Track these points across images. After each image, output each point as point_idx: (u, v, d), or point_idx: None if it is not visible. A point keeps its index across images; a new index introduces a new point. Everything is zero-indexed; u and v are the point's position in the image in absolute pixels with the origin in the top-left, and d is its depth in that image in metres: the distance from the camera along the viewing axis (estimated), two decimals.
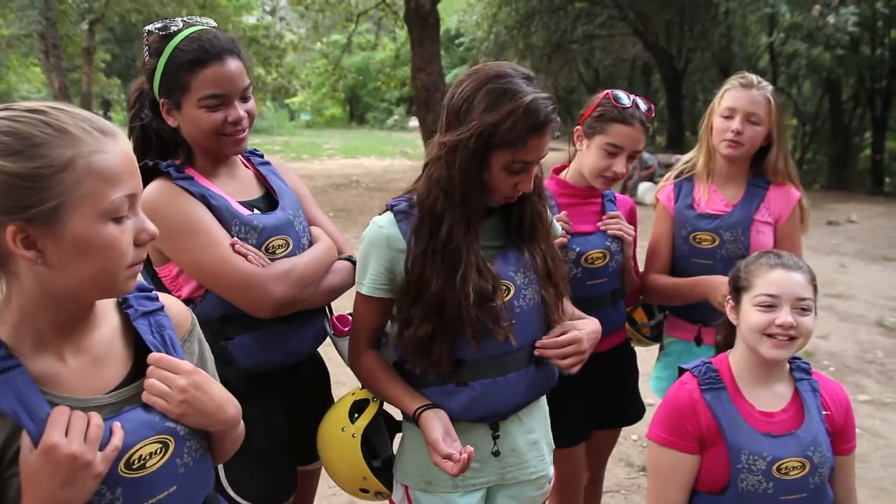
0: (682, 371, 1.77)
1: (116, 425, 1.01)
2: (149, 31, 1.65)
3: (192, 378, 1.11)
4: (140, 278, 1.12)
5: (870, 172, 17.54)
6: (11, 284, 1.00)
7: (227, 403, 1.18)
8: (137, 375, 1.10)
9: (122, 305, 1.14)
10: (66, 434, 0.94)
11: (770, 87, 2.21)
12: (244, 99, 1.66)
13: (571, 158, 2.23)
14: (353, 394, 1.79)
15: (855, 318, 5.93)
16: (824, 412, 1.68)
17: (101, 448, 0.98)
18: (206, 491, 1.18)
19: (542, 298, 1.63)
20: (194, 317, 1.28)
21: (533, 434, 1.71)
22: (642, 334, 2.43)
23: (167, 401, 1.08)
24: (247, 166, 1.83)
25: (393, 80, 20.15)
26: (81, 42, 17.11)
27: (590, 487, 2.45)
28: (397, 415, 1.75)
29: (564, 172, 2.24)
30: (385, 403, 1.73)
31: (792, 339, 1.61)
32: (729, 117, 2.18)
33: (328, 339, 1.90)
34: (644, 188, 11.48)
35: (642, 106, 2.07)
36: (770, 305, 1.63)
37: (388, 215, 1.60)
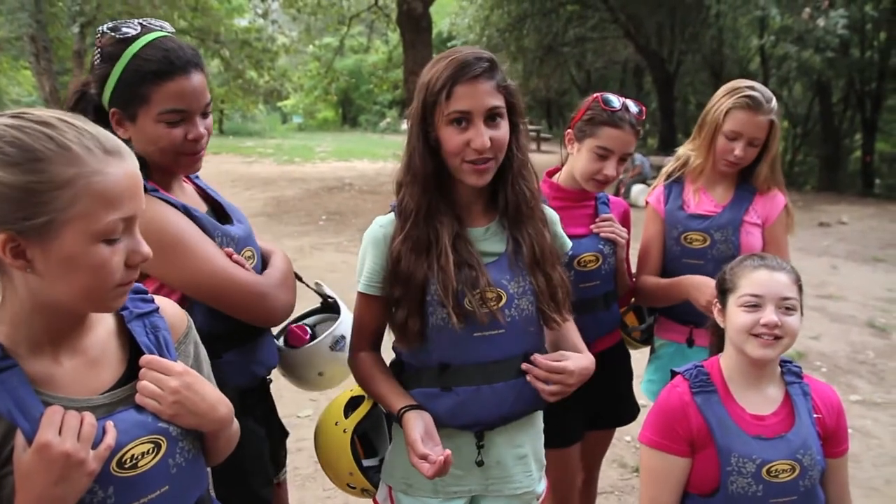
0: (673, 374, 1.78)
1: (109, 424, 1.02)
2: (102, 31, 1.51)
3: (183, 379, 1.12)
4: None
5: (860, 174, 17.66)
6: (7, 287, 1.01)
7: (219, 403, 1.19)
8: (132, 377, 1.11)
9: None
10: (60, 433, 0.96)
11: (775, 105, 2.18)
12: (204, 115, 1.55)
13: (564, 162, 2.23)
14: (352, 390, 1.81)
15: (846, 318, 5.96)
16: (815, 415, 1.69)
17: (94, 447, 0.99)
18: (198, 492, 1.18)
19: (536, 299, 1.60)
20: (190, 319, 1.27)
21: (521, 449, 1.68)
22: (632, 338, 2.44)
23: (159, 402, 1.09)
24: (186, 182, 1.73)
25: (385, 83, 20.17)
26: (72, 45, 17.03)
27: (584, 488, 2.45)
28: None
29: (557, 176, 2.25)
30: None
31: (778, 338, 1.62)
32: (733, 140, 2.18)
33: None
34: (637, 190, 11.51)
35: (633, 108, 2.07)
36: (754, 305, 1.64)
37: (390, 215, 1.62)
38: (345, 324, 1.87)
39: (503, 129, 1.52)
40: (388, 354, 1.72)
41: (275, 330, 1.87)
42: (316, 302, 2.07)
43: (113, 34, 1.49)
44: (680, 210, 2.31)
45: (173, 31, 1.56)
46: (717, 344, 1.85)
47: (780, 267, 1.68)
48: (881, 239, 9.46)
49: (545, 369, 1.55)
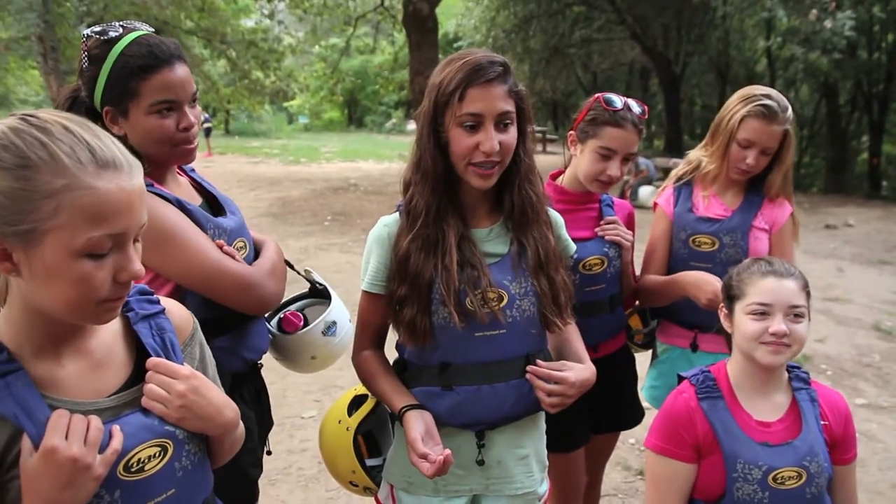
0: (680, 379, 1.77)
1: (115, 428, 1.02)
2: (87, 35, 1.59)
3: (190, 383, 1.11)
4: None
5: (867, 176, 17.60)
6: (10, 289, 1.01)
7: (226, 407, 1.19)
8: (138, 379, 1.11)
9: (124, 308, 1.14)
10: (67, 437, 0.95)
11: (790, 115, 2.15)
12: (192, 105, 1.63)
13: (567, 164, 2.22)
14: (356, 389, 1.83)
15: (852, 321, 5.93)
16: (823, 422, 1.67)
17: (101, 451, 0.98)
18: (204, 494, 1.18)
19: (539, 301, 1.60)
20: (196, 320, 1.28)
21: (523, 449, 1.68)
22: (634, 342, 2.42)
23: (166, 405, 1.09)
24: (181, 174, 1.79)
25: (391, 84, 20.21)
26: (80, 45, 17.08)
27: (588, 492, 2.44)
28: None
29: (560, 178, 2.24)
30: None
31: (786, 345, 1.61)
32: (746, 148, 2.16)
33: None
34: (646, 192, 11.48)
35: (635, 108, 2.05)
36: (763, 313, 1.63)
37: (394, 215, 1.64)
38: (336, 309, 1.92)
39: (512, 134, 1.53)
40: (390, 353, 1.73)
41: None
42: (304, 287, 2.11)
43: (98, 36, 1.56)
44: (689, 213, 2.30)
45: (154, 30, 1.64)
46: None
47: (789, 273, 1.66)
48: (888, 241, 9.42)
49: (545, 377, 1.56)
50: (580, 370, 1.61)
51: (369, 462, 1.75)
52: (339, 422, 1.76)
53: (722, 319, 1.77)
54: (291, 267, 1.97)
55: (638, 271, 2.38)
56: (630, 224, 2.27)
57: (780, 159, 2.21)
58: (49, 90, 16.00)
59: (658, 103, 20.28)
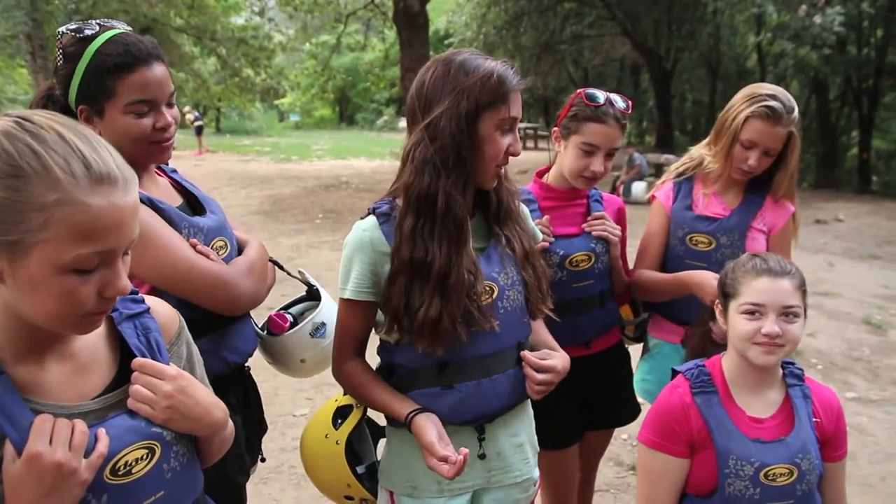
0: (675, 373, 1.77)
1: (101, 432, 1.00)
2: (62, 32, 1.55)
3: (177, 383, 1.09)
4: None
5: (857, 171, 17.68)
6: None
7: (214, 407, 1.17)
8: (122, 380, 1.09)
9: None
10: (51, 442, 0.93)
11: (795, 117, 2.12)
12: (169, 105, 1.60)
13: (554, 161, 2.21)
14: (336, 400, 1.78)
15: (842, 316, 5.97)
16: (815, 420, 1.67)
17: (87, 455, 0.97)
18: (194, 495, 1.17)
19: (525, 288, 1.64)
20: (182, 319, 1.26)
21: (518, 437, 1.70)
22: (625, 334, 2.42)
23: (152, 407, 1.07)
24: (160, 175, 1.76)
25: (382, 81, 20.14)
26: None
27: (581, 488, 2.44)
28: (381, 420, 1.75)
29: (547, 175, 2.23)
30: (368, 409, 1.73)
31: (779, 346, 1.60)
32: (749, 148, 2.14)
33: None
34: (639, 188, 11.50)
35: (618, 103, 2.04)
36: (756, 313, 1.62)
37: (371, 219, 1.59)
38: (325, 310, 1.88)
39: None
40: (372, 360, 1.71)
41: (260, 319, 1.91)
42: (295, 286, 2.08)
43: (73, 34, 1.53)
44: (688, 210, 2.29)
45: (131, 29, 1.61)
46: (699, 348, 1.84)
47: (784, 272, 1.63)
48: (877, 236, 9.49)
49: (536, 366, 1.59)
50: (561, 358, 1.66)
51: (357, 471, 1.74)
52: (327, 436, 1.71)
53: (717, 316, 1.76)
54: (280, 267, 1.94)
55: (631, 265, 2.38)
56: (620, 219, 2.26)
57: (784, 161, 2.18)
58: (37, 88, 15.88)
59: (649, 99, 20.32)
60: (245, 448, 1.82)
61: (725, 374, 1.70)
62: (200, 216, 1.70)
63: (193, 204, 1.76)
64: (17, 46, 17.16)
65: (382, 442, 1.78)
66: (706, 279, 2.05)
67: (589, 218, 2.16)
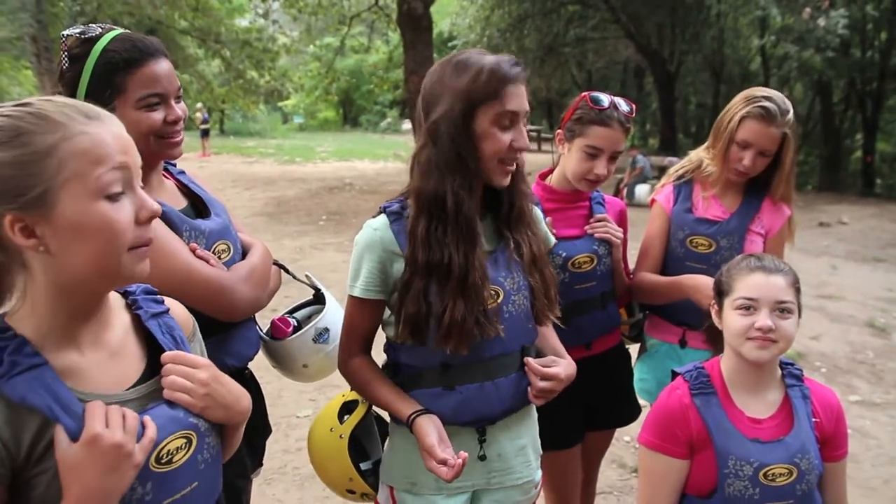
0: (674, 374, 1.78)
1: (147, 419, 1.03)
2: (66, 35, 1.57)
3: (210, 371, 1.13)
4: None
5: (861, 174, 17.66)
6: (27, 278, 1.00)
7: (243, 396, 1.21)
8: (152, 374, 1.11)
9: (132, 307, 1.16)
10: (107, 425, 0.96)
11: (790, 119, 2.13)
12: (177, 100, 1.62)
13: (557, 163, 2.22)
14: (344, 395, 1.81)
15: (846, 318, 5.96)
16: (814, 419, 1.68)
17: (137, 441, 1.00)
18: (218, 491, 1.19)
19: (532, 293, 1.63)
20: (195, 319, 1.28)
21: (521, 440, 1.71)
22: (622, 333, 2.42)
23: (190, 395, 1.10)
24: (166, 177, 1.76)
25: (386, 83, 20.12)
26: None
27: (583, 489, 2.44)
28: (388, 417, 1.76)
29: (549, 177, 2.24)
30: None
31: (773, 341, 1.60)
32: (744, 148, 2.16)
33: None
34: (642, 190, 11.49)
35: (622, 107, 2.05)
36: (749, 308, 1.63)
37: (382, 217, 1.60)
38: (329, 315, 1.88)
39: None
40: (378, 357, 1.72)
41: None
42: (299, 288, 2.08)
43: (78, 35, 1.54)
44: (688, 213, 2.30)
45: (130, 32, 1.62)
46: (715, 346, 1.84)
47: (777, 269, 1.65)
48: (881, 239, 9.47)
49: (537, 373, 1.59)
50: (566, 365, 1.64)
51: (361, 466, 1.75)
52: (332, 430, 1.74)
53: (713, 316, 1.77)
54: (286, 271, 1.93)
55: (632, 268, 2.39)
56: (622, 222, 2.27)
57: (780, 163, 2.20)
58: (42, 90, 15.95)
59: (653, 102, 20.32)
60: (247, 451, 1.82)
61: (724, 375, 1.71)
62: (205, 219, 1.70)
63: (199, 206, 1.76)
64: (22, 48, 17.21)
65: None
66: (701, 282, 2.06)
67: (591, 220, 2.17)
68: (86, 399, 0.99)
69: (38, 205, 0.94)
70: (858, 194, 15.00)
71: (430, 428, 1.52)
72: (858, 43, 16.53)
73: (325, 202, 12.04)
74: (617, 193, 11.35)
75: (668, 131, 19.18)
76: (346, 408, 1.76)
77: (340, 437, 1.71)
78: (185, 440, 1.08)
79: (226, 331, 1.68)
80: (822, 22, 11.03)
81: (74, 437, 0.95)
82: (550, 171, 2.25)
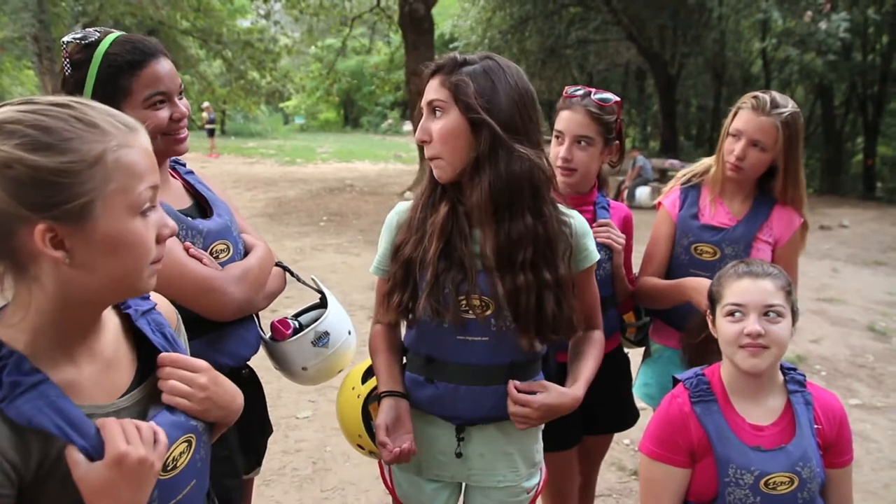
0: (675, 381, 1.77)
1: (154, 425, 1.01)
2: (66, 42, 1.59)
3: (209, 374, 1.12)
4: None
5: (862, 177, 17.67)
6: (32, 290, 0.94)
7: (237, 394, 1.21)
8: (143, 376, 1.09)
9: (121, 306, 1.12)
10: (128, 441, 0.94)
11: (785, 113, 2.09)
12: (180, 97, 1.65)
13: None
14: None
15: (846, 322, 5.95)
16: (816, 426, 1.65)
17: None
18: (208, 481, 1.19)
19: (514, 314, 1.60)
20: (178, 314, 1.27)
21: (508, 447, 1.69)
22: (626, 336, 2.41)
23: (190, 400, 1.08)
24: (174, 177, 1.78)
25: (387, 85, 20.12)
26: None
27: (582, 492, 2.45)
28: None
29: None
30: None
31: (764, 347, 1.58)
32: (736, 138, 2.15)
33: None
34: (643, 192, 11.49)
35: (597, 95, 2.07)
36: (737, 314, 1.62)
37: (408, 202, 1.69)
38: (330, 320, 1.88)
39: None
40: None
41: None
42: (300, 289, 2.10)
43: (79, 41, 1.57)
44: (694, 219, 2.27)
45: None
46: (696, 358, 1.83)
47: (765, 273, 1.63)
48: (882, 242, 9.47)
49: (512, 397, 1.56)
50: (555, 395, 1.57)
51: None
52: (353, 388, 1.87)
53: (710, 325, 1.76)
54: (290, 272, 1.94)
55: (636, 271, 2.38)
56: (626, 228, 2.25)
57: (780, 165, 2.17)
58: (44, 90, 15.96)
59: (654, 104, 20.32)
60: (244, 451, 1.82)
61: (724, 383, 1.70)
62: (206, 218, 1.71)
63: (203, 206, 1.78)
64: (24, 48, 17.21)
65: None
66: (703, 284, 2.05)
67: (594, 225, 2.16)
68: (84, 413, 0.96)
69: (78, 216, 0.90)
70: (859, 198, 15.00)
71: (389, 410, 1.59)
72: (860, 46, 16.54)
73: (325, 203, 12.04)
74: (618, 195, 11.35)
75: (669, 134, 19.17)
76: (370, 371, 1.84)
77: (358, 396, 1.84)
78: (186, 444, 1.08)
79: (219, 329, 1.68)
80: (823, 25, 11.03)
81: (90, 456, 0.92)
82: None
